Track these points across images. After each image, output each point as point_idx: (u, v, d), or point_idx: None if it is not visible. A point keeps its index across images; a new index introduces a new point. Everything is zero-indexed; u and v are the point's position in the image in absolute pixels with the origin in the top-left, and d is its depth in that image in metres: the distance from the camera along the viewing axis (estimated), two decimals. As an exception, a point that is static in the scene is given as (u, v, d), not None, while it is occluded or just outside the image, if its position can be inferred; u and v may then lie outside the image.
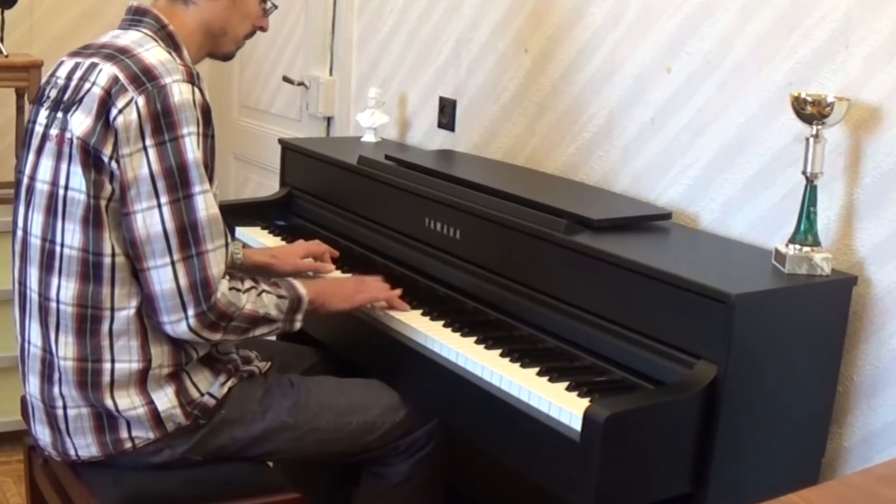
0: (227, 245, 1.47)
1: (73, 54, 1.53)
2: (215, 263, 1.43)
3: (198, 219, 1.41)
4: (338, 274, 1.88)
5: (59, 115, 1.46)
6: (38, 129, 1.50)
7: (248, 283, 1.50)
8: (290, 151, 2.30)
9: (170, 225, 1.40)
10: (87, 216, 1.42)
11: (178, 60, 1.46)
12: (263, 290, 1.52)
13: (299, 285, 1.58)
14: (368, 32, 2.59)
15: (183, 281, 1.41)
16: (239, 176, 3.28)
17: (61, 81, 1.49)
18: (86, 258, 1.43)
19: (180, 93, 1.41)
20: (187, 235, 1.41)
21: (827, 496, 1.01)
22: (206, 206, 1.42)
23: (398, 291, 1.71)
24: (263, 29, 1.64)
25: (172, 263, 1.41)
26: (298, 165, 2.28)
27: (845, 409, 1.55)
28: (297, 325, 1.58)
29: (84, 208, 1.42)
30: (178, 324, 1.42)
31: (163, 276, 1.41)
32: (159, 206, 1.40)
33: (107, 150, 1.40)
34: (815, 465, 1.54)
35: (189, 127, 1.41)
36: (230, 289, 1.46)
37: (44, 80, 1.56)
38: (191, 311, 1.42)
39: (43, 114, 1.50)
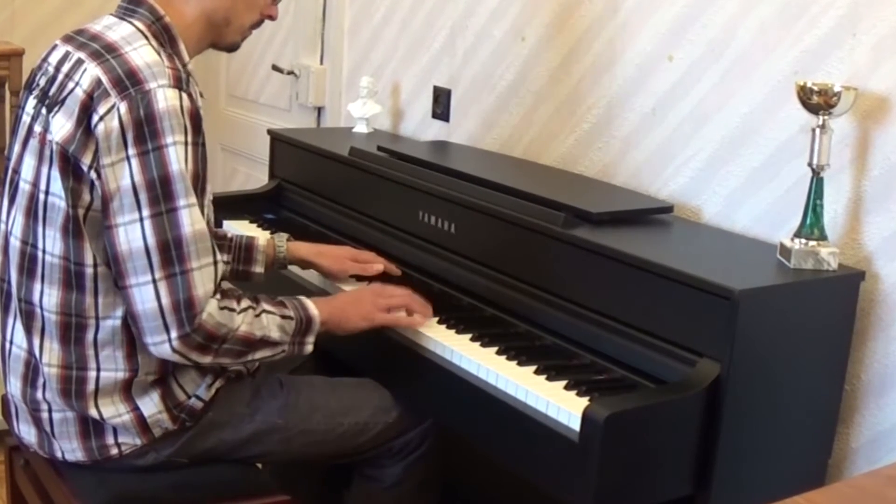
0: (215, 263, 1.40)
1: (67, 40, 1.48)
2: (201, 283, 1.36)
3: (182, 234, 1.35)
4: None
5: (44, 111, 1.42)
6: (26, 118, 1.46)
7: (244, 303, 1.43)
8: (280, 142, 2.29)
9: (151, 240, 1.34)
10: (66, 225, 1.38)
11: (166, 62, 1.39)
12: (263, 311, 1.45)
13: (311, 305, 1.51)
14: (360, 19, 2.57)
15: (165, 301, 1.35)
16: (226, 167, 3.27)
17: (51, 69, 1.45)
18: (67, 266, 1.40)
19: (165, 99, 1.34)
20: (170, 252, 1.34)
21: (833, 498, 1.01)
22: (191, 221, 1.35)
23: (420, 319, 1.59)
24: (272, 18, 1.57)
25: (154, 282, 1.35)
26: (288, 157, 2.26)
27: (852, 408, 1.53)
28: (309, 347, 1.50)
29: (63, 216, 1.38)
30: (161, 346, 1.37)
31: (145, 295, 1.35)
32: (141, 219, 1.34)
33: (86, 159, 1.36)
34: (822, 467, 1.53)
35: (174, 136, 1.34)
36: (222, 308, 1.39)
37: (36, 63, 1.52)
38: (174, 334, 1.35)
39: (31, 103, 1.46)
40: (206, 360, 1.41)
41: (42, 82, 1.45)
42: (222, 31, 1.53)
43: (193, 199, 1.36)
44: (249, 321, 1.42)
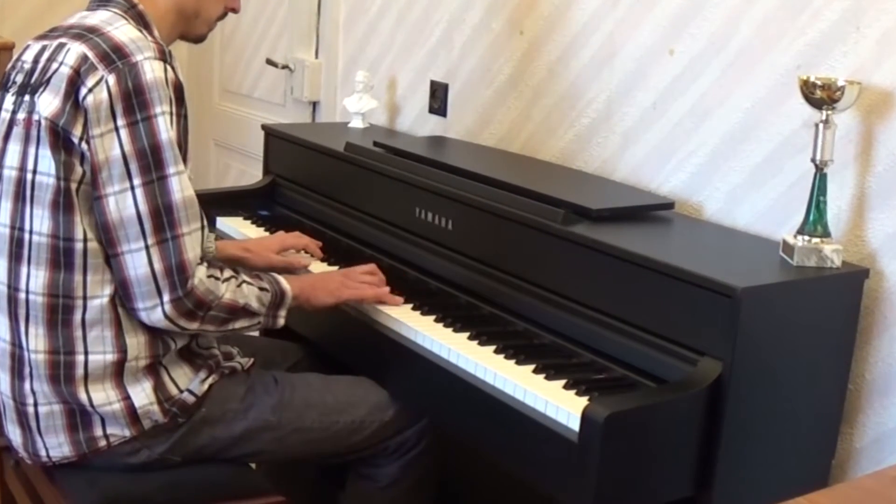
0: (202, 228, 1.45)
1: (40, 38, 1.51)
2: (191, 247, 1.41)
3: (172, 201, 1.39)
4: (324, 266, 1.85)
5: (27, 97, 1.43)
6: (5, 115, 1.48)
7: (227, 273, 1.49)
8: (274, 138, 2.28)
9: (143, 208, 1.38)
10: (56, 200, 1.40)
11: (149, 38, 1.44)
12: (244, 281, 1.50)
13: (282, 280, 1.56)
14: (356, 13, 2.56)
15: (158, 265, 1.39)
16: (220, 163, 3.26)
17: (28, 65, 1.47)
18: (56, 244, 1.41)
19: (152, 70, 1.39)
20: (162, 218, 1.39)
21: (837, 500, 1.00)
22: (181, 187, 1.40)
23: (386, 289, 1.66)
24: (235, 10, 1.64)
25: (147, 248, 1.39)
26: (282, 152, 2.25)
27: (856, 408, 1.52)
28: (281, 321, 1.55)
29: (53, 192, 1.40)
30: (153, 310, 1.40)
31: (137, 261, 1.39)
32: (132, 188, 1.38)
33: (76, 131, 1.38)
34: (825, 467, 1.52)
35: (162, 106, 1.39)
36: (209, 276, 1.44)
37: (9, 65, 1.54)
38: (166, 297, 1.40)
39: (9, 99, 1.48)
40: (193, 325, 1.44)
41: (19, 79, 1.47)
42: (192, 23, 1.59)
43: (182, 167, 1.41)
44: (233, 289, 1.47)
